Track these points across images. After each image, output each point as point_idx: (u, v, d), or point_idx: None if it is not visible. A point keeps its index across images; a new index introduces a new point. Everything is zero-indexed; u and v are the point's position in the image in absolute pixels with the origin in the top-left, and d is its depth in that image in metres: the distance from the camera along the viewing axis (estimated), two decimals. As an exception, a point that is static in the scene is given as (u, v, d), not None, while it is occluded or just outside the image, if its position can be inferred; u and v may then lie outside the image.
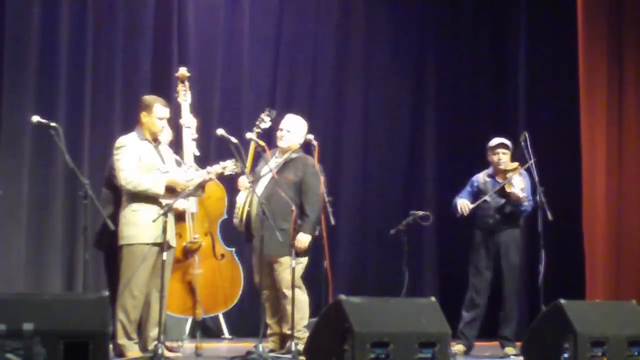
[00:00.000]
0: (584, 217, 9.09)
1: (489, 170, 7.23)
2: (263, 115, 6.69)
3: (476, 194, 7.16)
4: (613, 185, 9.23)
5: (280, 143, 6.52)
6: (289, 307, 6.21)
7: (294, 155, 6.45)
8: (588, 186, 9.16)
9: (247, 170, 6.31)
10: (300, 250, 6.29)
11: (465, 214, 7.05)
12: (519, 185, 6.97)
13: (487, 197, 7.07)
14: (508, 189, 6.98)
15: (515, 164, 7.07)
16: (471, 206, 7.06)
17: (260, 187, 6.33)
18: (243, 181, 6.43)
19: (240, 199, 6.43)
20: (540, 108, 9.74)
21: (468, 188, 7.26)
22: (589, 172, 9.18)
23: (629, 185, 9.26)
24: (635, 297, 5.95)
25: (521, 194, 6.94)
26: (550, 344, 5.42)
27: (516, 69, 9.88)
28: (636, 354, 5.47)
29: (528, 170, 7.05)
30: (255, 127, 6.63)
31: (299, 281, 6.33)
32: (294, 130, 6.52)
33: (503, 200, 7.05)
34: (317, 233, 6.37)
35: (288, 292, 6.22)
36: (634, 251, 9.13)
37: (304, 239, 6.29)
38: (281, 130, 6.53)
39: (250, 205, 6.37)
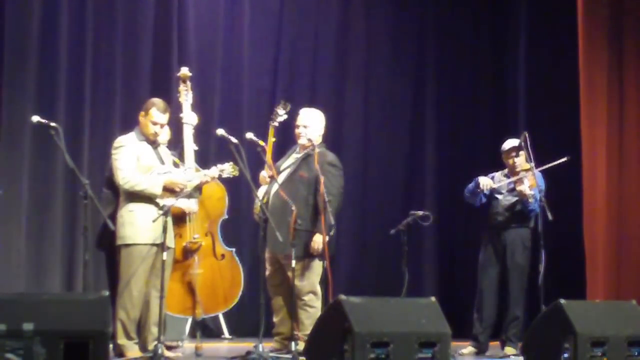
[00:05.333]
0: (584, 217, 9.08)
1: (505, 171, 7.24)
2: (277, 109, 6.58)
3: (489, 191, 7.16)
4: (613, 185, 9.22)
5: (300, 140, 6.49)
6: (303, 312, 6.23)
7: (314, 151, 6.36)
8: (588, 186, 9.16)
9: (269, 160, 6.28)
10: (314, 251, 6.28)
11: (485, 191, 7.05)
12: (528, 183, 6.98)
13: (509, 181, 7.08)
14: (518, 186, 7.00)
15: (529, 165, 7.05)
16: (494, 185, 7.07)
17: (273, 187, 6.33)
18: (263, 175, 6.43)
19: (260, 193, 6.42)
20: (540, 108, 9.74)
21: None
22: (589, 172, 9.17)
23: (629, 185, 9.25)
24: (635, 297, 5.95)
25: (528, 192, 6.94)
26: (550, 344, 5.42)
27: (516, 69, 9.87)
28: (636, 354, 5.47)
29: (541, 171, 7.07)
30: (272, 120, 6.54)
31: (316, 287, 6.34)
32: (311, 124, 6.49)
33: (514, 199, 7.07)
34: (332, 234, 6.29)
35: (306, 298, 6.28)
36: (634, 251, 9.12)
37: (317, 240, 6.26)
38: (298, 127, 6.50)
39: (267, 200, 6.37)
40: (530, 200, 6.95)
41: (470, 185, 7.14)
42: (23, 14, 7.91)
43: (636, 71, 9.32)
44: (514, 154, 7.13)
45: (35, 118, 5.65)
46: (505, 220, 7.11)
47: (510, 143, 7.20)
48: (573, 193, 9.14)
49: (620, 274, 9.12)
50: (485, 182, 7.07)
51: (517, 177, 7.03)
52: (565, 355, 5.32)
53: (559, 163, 7.05)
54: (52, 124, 5.54)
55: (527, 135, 6.94)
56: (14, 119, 7.79)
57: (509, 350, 7.00)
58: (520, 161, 7.12)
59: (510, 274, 7.06)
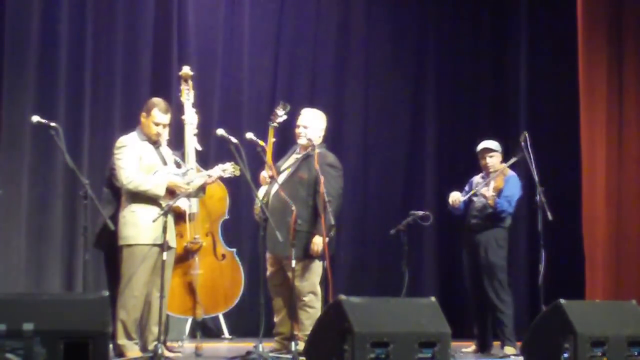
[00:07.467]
0: (584, 217, 9.09)
1: (484, 173, 7.27)
2: (277, 110, 6.52)
3: (468, 197, 7.17)
4: (613, 185, 9.23)
5: (299, 141, 6.46)
6: (303, 313, 6.23)
7: (314, 151, 6.33)
8: (588, 186, 9.16)
9: (269, 161, 6.28)
10: (314, 253, 6.27)
11: (455, 206, 7.08)
12: (492, 185, 7.01)
13: (471, 193, 7.12)
14: (481, 189, 7.04)
15: (502, 166, 7.10)
16: (461, 199, 7.08)
17: (273, 187, 6.32)
18: (264, 176, 6.43)
19: (261, 193, 6.41)
20: (540, 108, 9.74)
21: (466, 188, 7.29)
22: (589, 172, 9.18)
23: (629, 185, 9.26)
24: (635, 297, 5.95)
25: (488, 194, 6.97)
26: (550, 344, 5.42)
27: (516, 69, 9.88)
28: (636, 354, 5.47)
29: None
30: (271, 121, 6.49)
31: (316, 287, 6.34)
32: (312, 125, 6.46)
33: (485, 201, 7.09)
34: (332, 234, 6.28)
35: (306, 299, 6.28)
36: (634, 251, 9.13)
37: (317, 241, 6.24)
38: (298, 127, 6.48)
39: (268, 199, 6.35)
40: (490, 202, 6.97)
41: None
42: (23, 14, 7.92)
43: (636, 71, 9.33)
44: (487, 154, 7.15)
45: (35, 118, 5.65)
46: (478, 222, 7.11)
47: (483, 144, 7.24)
48: (573, 193, 9.14)
49: (620, 274, 9.13)
50: (452, 198, 7.10)
51: (489, 179, 7.06)
52: (565, 355, 5.32)
53: (513, 162, 7.05)
54: (52, 124, 5.55)
55: (527, 135, 6.94)
56: (14, 119, 7.79)
57: (509, 350, 7.00)
58: (493, 162, 7.15)
59: (485, 273, 7.04)
